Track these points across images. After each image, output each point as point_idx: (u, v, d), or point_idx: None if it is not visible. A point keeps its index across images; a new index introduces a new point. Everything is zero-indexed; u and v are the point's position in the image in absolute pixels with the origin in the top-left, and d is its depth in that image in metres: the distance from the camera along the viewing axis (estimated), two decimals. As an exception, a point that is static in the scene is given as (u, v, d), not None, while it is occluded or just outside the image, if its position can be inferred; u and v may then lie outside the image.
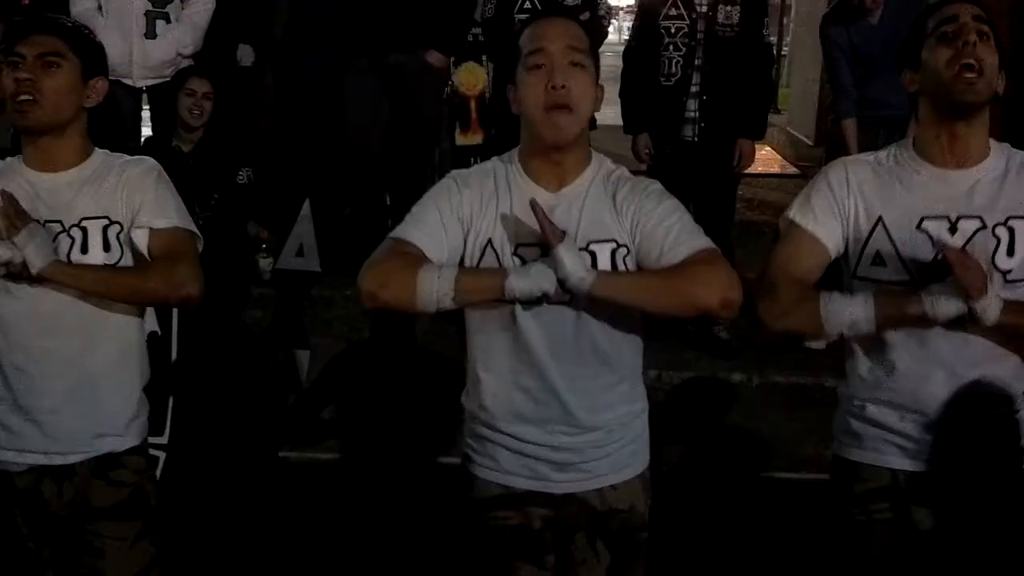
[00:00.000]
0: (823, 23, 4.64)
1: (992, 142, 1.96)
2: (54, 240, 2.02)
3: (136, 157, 2.18)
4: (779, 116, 9.15)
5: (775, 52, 9.68)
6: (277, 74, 5.00)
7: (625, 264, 1.88)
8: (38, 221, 1.99)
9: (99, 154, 2.15)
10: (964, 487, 1.96)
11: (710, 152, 4.30)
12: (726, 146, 4.33)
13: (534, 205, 1.79)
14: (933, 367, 1.93)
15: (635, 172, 2.04)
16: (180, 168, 4.23)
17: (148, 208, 2.09)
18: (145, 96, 4.74)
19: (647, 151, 4.38)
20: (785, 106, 9.41)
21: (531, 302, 1.82)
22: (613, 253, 1.87)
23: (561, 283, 1.76)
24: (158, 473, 3.06)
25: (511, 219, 1.89)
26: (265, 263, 4.41)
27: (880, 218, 1.94)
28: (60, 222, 2.05)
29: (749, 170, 4.74)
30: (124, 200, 2.08)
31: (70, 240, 2.05)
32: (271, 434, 4.05)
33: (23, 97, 2.01)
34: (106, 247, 2.06)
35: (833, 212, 1.98)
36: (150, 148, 4.46)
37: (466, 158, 5.38)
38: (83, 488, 2.13)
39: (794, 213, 2.02)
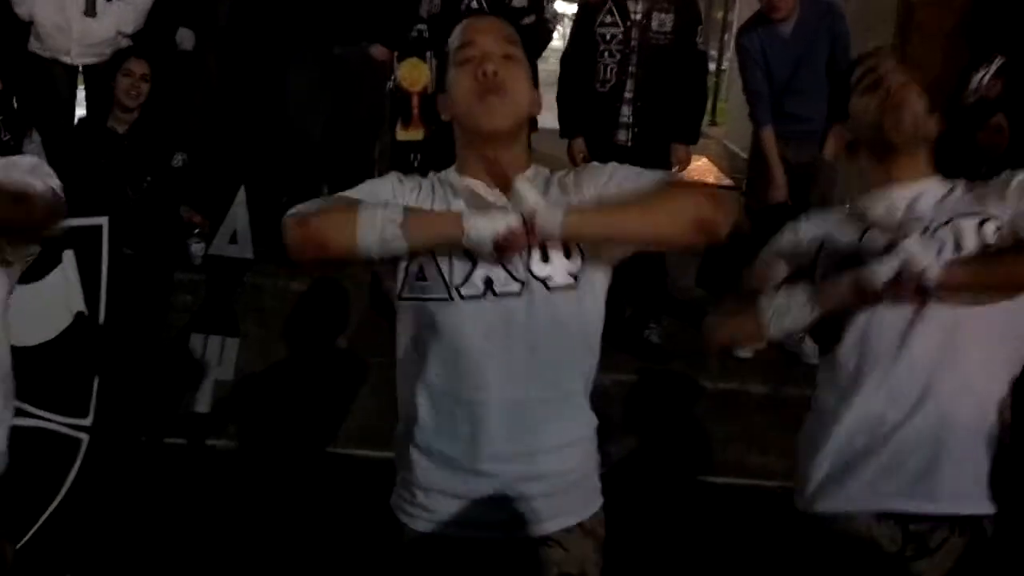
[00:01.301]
0: (738, 32, 4.71)
1: (937, 174, 1.93)
2: None
3: (15, 157, 1.95)
4: (717, 128, 9.31)
5: (716, 66, 9.89)
6: (219, 60, 4.94)
7: (580, 250, 1.69)
8: None
9: None
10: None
11: (643, 157, 4.36)
12: (659, 151, 4.41)
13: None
14: (895, 401, 1.84)
15: None
16: (114, 149, 4.16)
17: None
18: (81, 77, 4.67)
19: (582, 154, 4.45)
20: (723, 119, 9.56)
21: (487, 259, 1.62)
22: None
23: (527, 221, 1.55)
24: (80, 456, 3.00)
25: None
26: (197, 248, 4.34)
27: (822, 242, 1.93)
28: None
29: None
30: None
31: None
32: (196, 421, 3.99)
33: None
34: None
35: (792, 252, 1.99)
36: (84, 128, 4.38)
37: (406, 153, 5.36)
38: None
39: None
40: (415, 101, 5.29)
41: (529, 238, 1.58)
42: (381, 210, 1.58)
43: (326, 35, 4.48)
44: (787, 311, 1.84)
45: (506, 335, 1.68)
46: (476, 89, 1.69)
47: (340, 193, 1.71)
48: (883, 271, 1.73)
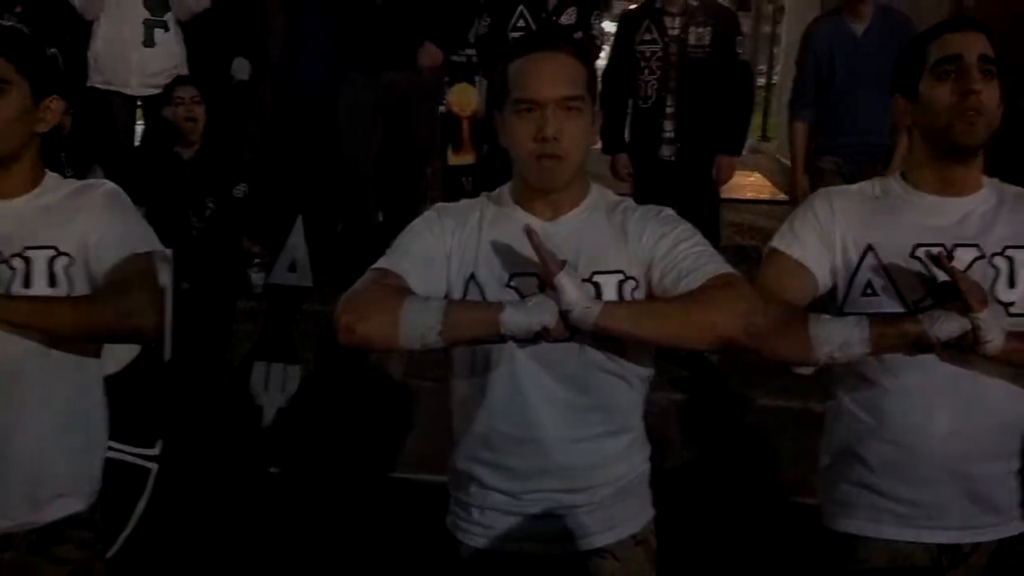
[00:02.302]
0: (811, 23, 4.69)
1: (984, 177, 1.87)
2: None
3: (90, 181, 1.96)
4: (768, 144, 9.22)
5: (767, 80, 9.80)
6: (273, 89, 5.02)
7: (633, 298, 1.71)
8: None
9: (51, 179, 1.90)
10: (979, 557, 1.84)
11: (689, 171, 4.40)
12: (704, 165, 4.42)
13: (529, 231, 1.62)
14: (930, 413, 1.78)
15: (617, 193, 1.94)
16: (178, 174, 4.25)
17: (103, 242, 1.83)
18: (139, 111, 4.77)
19: (626, 171, 4.48)
20: (774, 134, 9.47)
21: (528, 340, 1.64)
22: (620, 285, 1.71)
23: (563, 316, 1.58)
24: (149, 486, 3.04)
25: (501, 249, 1.73)
26: (257, 277, 4.43)
27: (870, 246, 1.82)
28: None
29: (739, 195, 4.82)
30: (76, 232, 1.83)
31: (11, 271, 1.79)
32: (257, 448, 4.05)
33: None
34: (52, 281, 1.81)
35: (820, 240, 1.85)
36: (149, 152, 4.46)
37: (458, 178, 5.42)
38: (18, 565, 1.85)
39: (777, 242, 1.89)
40: (465, 126, 5.36)
41: (564, 330, 1.61)
42: (422, 314, 1.61)
43: (377, 61, 4.53)
44: (848, 347, 1.74)
45: (559, 378, 1.71)
46: (534, 150, 1.69)
47: (383, 264, 1.73)
48: (947, 329, 1.69)
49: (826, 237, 1.86)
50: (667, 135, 4.38)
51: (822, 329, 1.75)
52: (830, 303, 1.89)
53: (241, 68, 4.92)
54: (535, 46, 1.74)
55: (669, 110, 4.36)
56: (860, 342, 1.72)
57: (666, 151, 4.40)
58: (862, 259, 1.83)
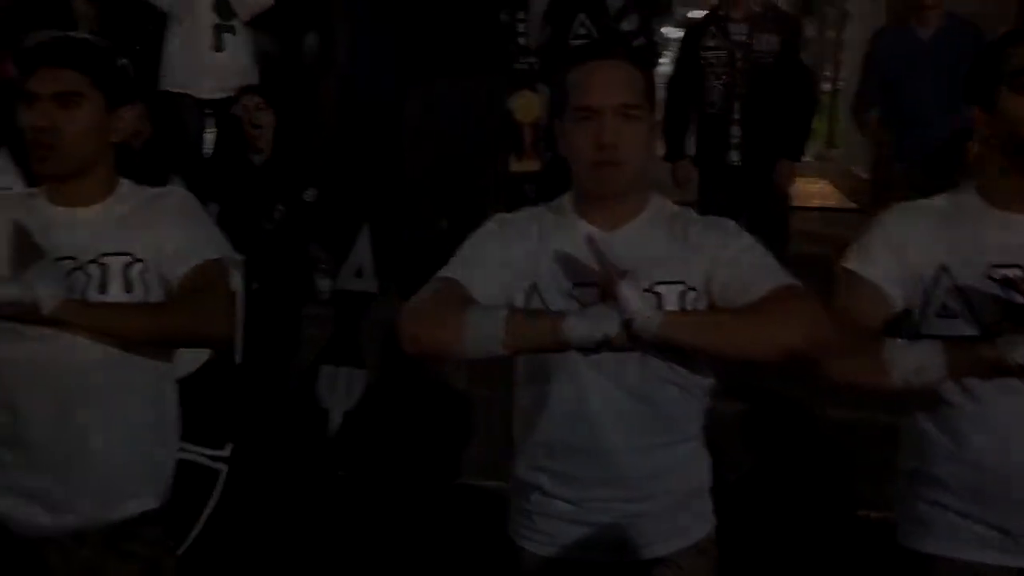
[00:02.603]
0: (877, 30, 4.72)
1: None
2: (68, 277, 1.81)
3: (165, 189, 2.04)
4: (836, 151, 9.10)
5: (832, 86, 9.68)
6: (339, 96, 5.08)
7: (694, 308, 1.71)
8: (52, 258, 1.81)
9: (125, 187, 1.97)
10: None
11: (756, 177, 4.39)
12: (768, 170, 4.41)
13: (591, 241, 1.64)
14: (1011, 437, 1.74)
15: (679, 201, 1.92)
16: (250, 179, 4.32)
17: (177, 250, 1.89)
18: (212, 120, 4.86)
19: (687, 178, 4.49)
20: (841, 142, 9.34)
21: (590, 349, 1.64)
22: (682, 295, 1.71)
23: (625, 325, 1.57)
24: (218, 488, 3.09)
25: (563, 259, 1.74)
26: (324, 283, 4.48)
27: (943, 266, 1.78)
28: (74, 258, 1.85)
29: (806, 203, 4.82)
30: (151, 238, 1.89)
31: (86, 277, 1.84)
32: (325, 452, 4.09)
33: (41, 147, 1.82)
34: (128, 287, 1.85)
35: (893, 260, 1.82)
36: (221, 158, 4.54)
37: (520, 185, 5.42)
38: (93, 561, 1.91)
39: (849, 262, 1.87)
40: (527, 133, 5.36)
41: (626, 340, 1.61)
42: (485, 323, 1.63)
43: (441, 68, 4.55)
44: (923, 372, 1.71)
45: (621, 388, 1.72)
46: (593, 157, 1.71)
47: (446, 274, 1.75)
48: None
49: (899, 257, 1.83)
50: (735, 141, 4.38)
51: (897, 354, 1.74)
52: (907, 323, 1.86)
53: (311, 41, 4.95)
54: (593, 54, 1.78)
55: (736, 116, 4.35)
56: (935, 367, 1.71)
57: (734, 156, 4.41)
58: (936, 280, 1.81)
